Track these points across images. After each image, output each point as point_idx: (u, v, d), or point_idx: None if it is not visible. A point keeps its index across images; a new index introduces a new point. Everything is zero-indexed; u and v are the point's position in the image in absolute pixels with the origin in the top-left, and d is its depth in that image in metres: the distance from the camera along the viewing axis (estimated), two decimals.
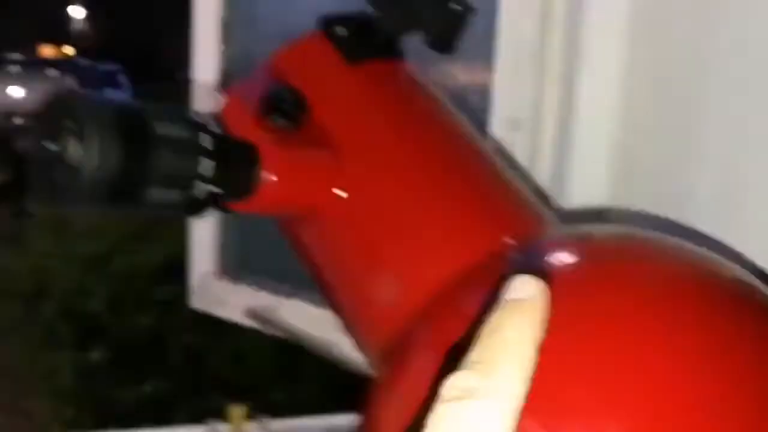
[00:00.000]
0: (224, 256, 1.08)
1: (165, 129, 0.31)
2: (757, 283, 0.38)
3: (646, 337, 0.33)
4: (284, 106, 0.39)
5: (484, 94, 0.80)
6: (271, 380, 1.85)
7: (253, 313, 1.03)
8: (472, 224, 0.41)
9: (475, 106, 0.84)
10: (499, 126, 0.78)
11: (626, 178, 0.70)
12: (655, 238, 0.41)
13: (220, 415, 0.77)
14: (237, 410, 0.74)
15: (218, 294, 1.08)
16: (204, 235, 1.08)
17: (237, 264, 1.08)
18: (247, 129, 0.39)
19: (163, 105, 0.33)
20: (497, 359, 0.22)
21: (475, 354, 0.22)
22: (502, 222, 0.41)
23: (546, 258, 0.39)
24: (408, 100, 0.44)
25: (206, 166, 0.33)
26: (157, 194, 0.31)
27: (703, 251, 0.39)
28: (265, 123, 0.39)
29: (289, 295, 0.98)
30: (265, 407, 0.84)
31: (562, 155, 0.74)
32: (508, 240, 0.40)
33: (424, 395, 0.35)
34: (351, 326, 0.45)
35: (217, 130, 0.34)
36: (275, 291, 1.00)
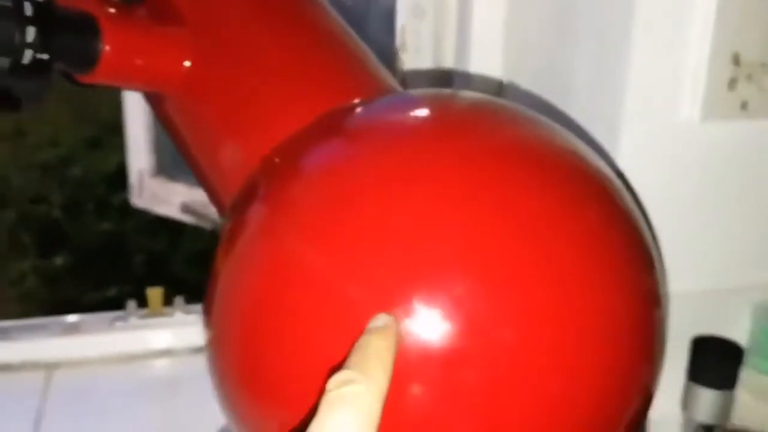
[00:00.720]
0: (159, 154, 1.10)
1: None
2: (603, 168, 0.39)
3: (473, 194, 0.34)
4: None
5: None
6: None
7: (187, 208, 1.06)
8: (315, 87, 0.43)
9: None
10: (405, 14, 0.79)
11: (517, 62, 0.72)
12: (514, 109, 0.42)
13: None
14: (154, 293, 0.78)
15: (155, 191, 1.11)
16: (139, 135, 1.10)
17: (172, 162, 1.11)
18: (88, 2, 0.41)
19: None
20: (367, 363, 0.30)
21: (350, 362, 0.30)
22: (346, 86, 0.43)
23: (392, 110, 0.41)
24: None
25: (30, 33, 0.35)
26: None
27: (559, 129, 0.41)
28: None
29: None
30: None
31: (463, 39, 0.76)
32: (353, 101, 0.42)
33: (255, 247, 0.38)
34: (213, 196, 0.48)
35: None
36: None
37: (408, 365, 0.32)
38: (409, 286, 0.33)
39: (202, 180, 0.48)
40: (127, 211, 1.98)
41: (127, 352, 0.76)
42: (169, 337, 0.78)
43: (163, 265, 2.10)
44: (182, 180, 1.08)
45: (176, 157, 1.14)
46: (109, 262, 2.13)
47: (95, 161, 2.28)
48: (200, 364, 0.77)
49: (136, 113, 1.09)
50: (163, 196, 1.10)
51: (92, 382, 0.75)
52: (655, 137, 0.59)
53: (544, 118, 0.42)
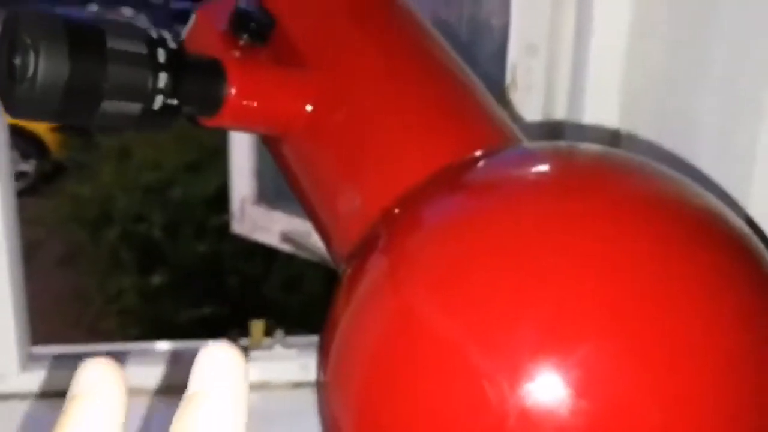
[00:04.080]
0: (261, 183, 1.11)
1: (118, 44, 0.33)
2: (735, 222, 0.37)
3: (603, 251, 0.33)
4: (251, 24, 0.41)
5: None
6: (324, 306, 1.91)
7: (287, 237, 1.07)
8: (437, 137, 0.42)
9: (497, 36, 0.84)
10: (517, 52, 0.78)
11: (635, 106, 0.69)
12: (637, 161, 0.41)
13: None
14: (257, 324, 0.78)
15: (256, 219, 1.12)
16: (242, 163, 1.12)
17: (273, 191, 1.12)
18: (215, 47, 0.41)
19: (122, 23, 0.35)
20: None
21: None
22: (467, 135, 0.42)
23: (516, 165, 0.40)
24: (376, 15, 0.45)
25: (162, 79, 0.35)
26: (113, 106, 0.34)
27: (687, 182, 0.39)
28: (232, 40, 0.41)
29: None
30: (315, 330, 0.88)
31: (577, 80, 0.74)
32: (474, 152, 0.41)
33: (377, 300, 0.37)
34: (325, 239, 0.47)
35: (173, 45, 0.36)
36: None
37: None
38: (541, 356, 0.31)
39: (314, 221, 0.48)
40: (224, 233, 2.03)
41: None
42: (267, 370, 0.78)
43: (256, 287, 2.14)
44: (283, 208, 1.09)
45: (278, 185, 1.15)
46: (204, 282, 2.18)
47: (195, 184, 2.34)
48: (298, 399, 0.77)
49: (240, 141, 1.11)
50: (264, 224, 1.12)
51: None
52: None
53: (670, 171, 0.40)
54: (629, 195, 0.36)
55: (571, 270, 0.32)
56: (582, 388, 0.30)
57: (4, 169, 0.74)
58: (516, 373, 0.31)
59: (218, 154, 2.17)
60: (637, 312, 0.31)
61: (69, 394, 0.22)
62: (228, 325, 0.89)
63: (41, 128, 3.87)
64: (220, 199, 1.97)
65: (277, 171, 1.15)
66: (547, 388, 0.30)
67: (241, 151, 1.12)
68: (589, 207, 0.35)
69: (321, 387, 0.40)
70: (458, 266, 0.34)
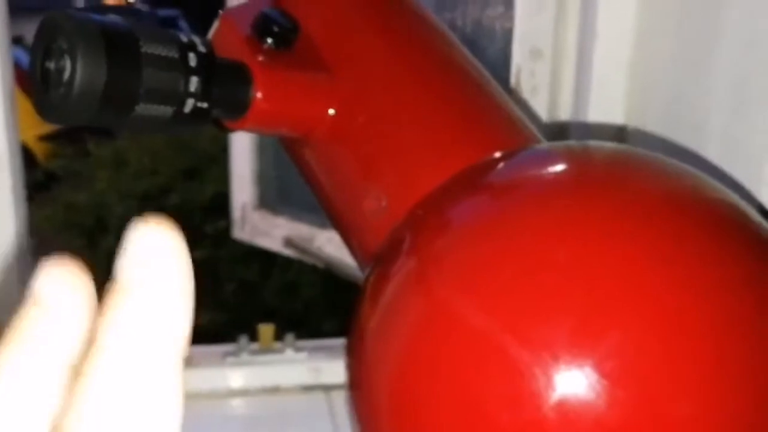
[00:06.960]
0: (263, 188, 1.11)
1: (152, 48, 0.34)
2: (752, 215, 0.38)
3: (625, 250, 0.34)
4: (276, 29, 0.41)
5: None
6: (322, 310, 1.91)
7: (290, 243, 1.07)
8: (459, 139, 0.43)
9: (501, 39, 0.85)
10: (521, 56, 0.78)
11: (642, 104, 0.70)
12: (651, 157, 0.42)
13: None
14: (266, 329, 0.78)
15: (258, 225, 1.12)
16: (243, 168, 1.12)
17: (275, 196, 1.12)
18: (239, 51, 0.41)
19: (153, 27, 0.35)
20: None
21: None
22: (488, 137, 0.43)
23: (534, 164, 0.41)
24: (396, 21, 0.45)
25: (193, 83, 0.35)
26: (146, 109, 0.34)
27: (701, 176, 0.40)
28: (257, 45, 0.41)
29: (324, 225, 1.01)
30: (314, 335, 0.89)
31: (582, 84, 0.74)
32: (495, 153, 0.42)
33: (406, 300, 0.38)
34: (349, 241, 0.48)
35: (203, 50, 0.36)
36: (311, 221, 1.04)
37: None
38: (575, 348, 0.31)
39: (337, 223, 0.48)
40: (220, 240, 2.03)
41: (237, 386, 0.77)
42: (277, 374, 0.78)
43: (254, 294, 2.14)
44: (285, 214, 1.09)
45: (279, 190, 1.15)
46: (201, 289, 2.16)
47: (191, 191, 2.34)
48: (308, 402, 0.77)
49: (240, 148, 1.11)
50: (266, 229, 1.12)
51: (202, 415, 0.75)
52: None
53: (685, 166, 0.41)
54: (649, 190, 0.37)
55: (599, 262, 0.33)
56: (617, 378, 0.31)
57: (18, 177, 0.74)
58: (552, 364, 0.31)
59: (214, 162, 2.19)
60: (666, 302, 0.32)
61: (26, 299, 0.17)
62: (227, 331, 0.89)
63: (28, 138, 3.85)
64: (217, 205, 1.98)
65: (278, 176, 1.15)
66: (582, 378, 0.31)
67: (242, 157, 1.12)
68: (610, 203, 0.36)
69: (353, 388, 0.40)
70: (487, 264, 0.35)
